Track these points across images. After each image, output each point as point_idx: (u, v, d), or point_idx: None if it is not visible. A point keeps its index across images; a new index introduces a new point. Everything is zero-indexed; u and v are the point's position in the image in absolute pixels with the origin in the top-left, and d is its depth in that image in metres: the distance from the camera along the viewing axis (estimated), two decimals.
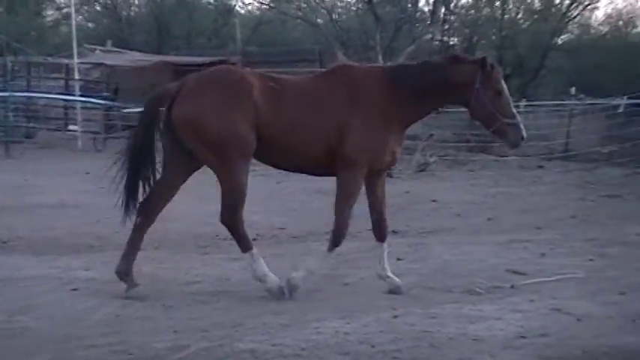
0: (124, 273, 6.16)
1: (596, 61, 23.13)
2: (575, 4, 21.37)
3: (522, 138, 6.41)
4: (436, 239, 8.92)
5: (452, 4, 22.73)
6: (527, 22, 21.93)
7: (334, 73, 6.65)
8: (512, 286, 6.70)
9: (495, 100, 6.33)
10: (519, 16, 22.27)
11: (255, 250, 6.26)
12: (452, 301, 6.18)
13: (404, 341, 5.07)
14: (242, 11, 33.09)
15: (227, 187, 6.21)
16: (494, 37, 22.38)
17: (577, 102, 16.32)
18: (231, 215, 6.21)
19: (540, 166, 15.54)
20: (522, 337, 5.21)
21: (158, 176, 6.40)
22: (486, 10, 22.56)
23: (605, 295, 6.35)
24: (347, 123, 6.26)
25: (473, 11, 22.93)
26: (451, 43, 24.17)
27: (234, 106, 6.15)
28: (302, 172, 6.86)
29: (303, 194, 11.88)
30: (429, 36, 22.01)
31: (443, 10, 21.83)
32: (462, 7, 23.40)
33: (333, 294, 6.39)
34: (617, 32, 26.52)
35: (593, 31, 26.47)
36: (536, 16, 21.47)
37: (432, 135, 15.30)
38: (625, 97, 13.46)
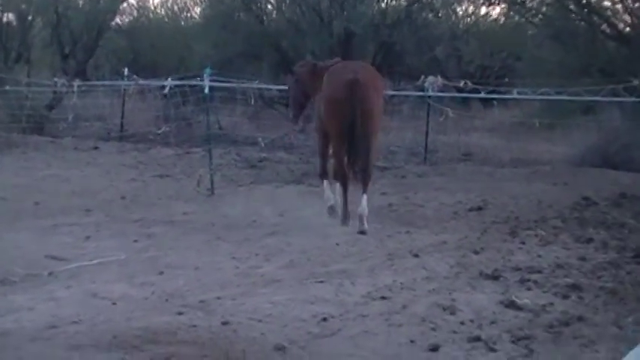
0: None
1: (152, 42, 23.58)
2: None
3: None
4: None
5: None
6: (82, 2, 21.39)
7: None
8: (50, 273, 6.48)
9: None
10: None
11: None
12: None
13: None
14: None
15: (374, 152, 8.96)
16: (53, 16, 21.38)
17: (130, 82, 16.39)
18: (372, 171, 8.97)
19: (96, 147, 15.25)
20: (53, 326, 5.03)
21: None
22: None
23: (144, 276, 6.42)
24: None
25: None
26: (5, 20, 22.65)
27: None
28: None
29: None
30: None
31: None
32: None
33: None
34: (174, 16, 27.24)
35: (152, 14, 26.85)
36: None
37: None
38: (170, 79, 13.80)
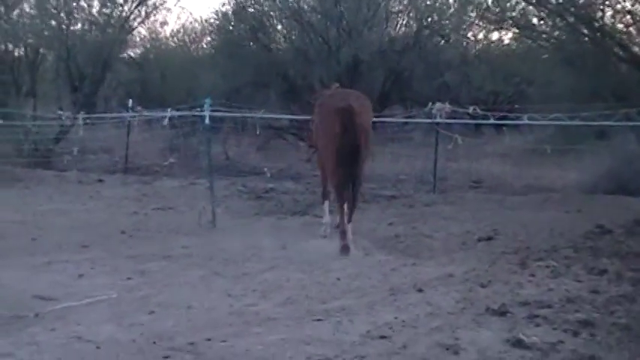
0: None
1: (162, 74, 23.57)
2: (133, 17, 21.16)
3: None
4: None
5: (14, 12, 21.23)
6: (90, 34, 21.23)
7: None
8: (36, 315, 6.17)
9: None
10: (84, 27, 21.49)
11: None
12: None
13: None
14: None
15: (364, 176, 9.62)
16: (64, 49, 21.27)
17: (134, 114, 16.16)
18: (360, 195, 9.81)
19: (101, 180, 15.04)
20: None
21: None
22: (52, 21, 21.41)
23: (134, 317, 6.10)
24: None
25: (38, 21, 21.61)
26: (16, 53, 22.64)
27: None
28: None
29: None
30: None
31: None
32: (26, 15, 21.93)
33: None
34: (185, 47, 27.21)
35: (163, 45, 26.78)
36: (97, 27, 20.88)
37: None
38: (169, 110, 13.41)
